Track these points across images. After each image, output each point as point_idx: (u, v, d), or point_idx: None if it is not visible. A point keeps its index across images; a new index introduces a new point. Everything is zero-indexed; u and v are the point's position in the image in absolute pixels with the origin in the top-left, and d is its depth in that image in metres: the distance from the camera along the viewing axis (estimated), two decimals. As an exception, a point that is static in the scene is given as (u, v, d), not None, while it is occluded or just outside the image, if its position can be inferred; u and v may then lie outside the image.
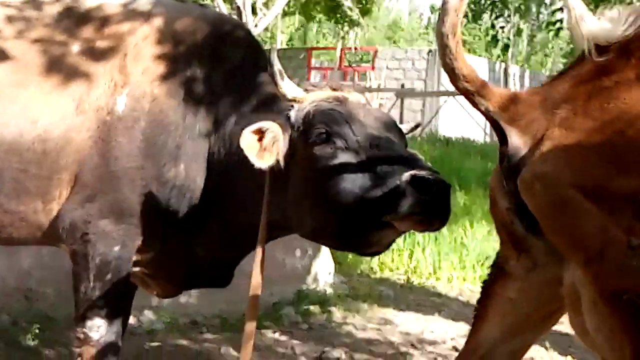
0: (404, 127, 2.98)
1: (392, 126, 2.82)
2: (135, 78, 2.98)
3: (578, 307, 2.19)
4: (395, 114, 22.35)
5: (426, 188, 2.49)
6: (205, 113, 3.02)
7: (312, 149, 2.71)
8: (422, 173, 2.53)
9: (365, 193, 2.59)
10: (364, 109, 2.81)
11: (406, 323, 5.49)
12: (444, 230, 7.62)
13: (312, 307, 5.49)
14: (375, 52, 26.39)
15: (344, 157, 2.67)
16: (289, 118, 2.80)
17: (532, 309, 2.31)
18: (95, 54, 3.02)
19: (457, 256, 7.07)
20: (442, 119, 21.50)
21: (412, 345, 5.06)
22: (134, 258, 3.02)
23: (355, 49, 27.04)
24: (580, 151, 2.03)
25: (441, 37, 2.18)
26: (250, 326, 2.81)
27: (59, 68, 2.99)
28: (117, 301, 3.00)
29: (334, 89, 2.87)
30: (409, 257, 7.05)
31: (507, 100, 2.21)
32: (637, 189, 1.95)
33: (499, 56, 26.72)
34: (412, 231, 2.81)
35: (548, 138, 2.08)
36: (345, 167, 2.66)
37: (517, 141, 2.15)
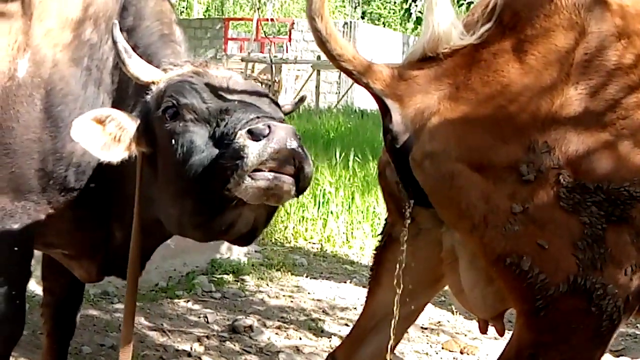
0: (289, 104, 2.82)
1: (259, 96, 2.57)
2: (37, 41, 2.77)
3: (455, 267, 2.33)
4: (311, 86, 22.42)
5: (264, 135, 2.25)
6: (110, 85, 2.84)
7: (165, 127, 2.49)
8: (258, 123, 2.29)
9: (209, 162, 2.37)
10: (225, 80, 2.57)
11: (318, 290, 5.59)
12: (357, 199, 7.81)
13: (225, 276, 5.55)
14: (292, 23, 26.35)
15: (193, 130, 2.44)
16: (146, 103, 2.59)
17: (422, 272, 2.40)
18: (1, 12, 2.80)
19: (370, 225, 7.24)
20: (358, 91, 21.65)
21: (324, 312, 5.17)
22: (49, 239, 2.91)
23: (272, 20, 26.87)
24: (464, 126, 2.11)
25: (310, 21, 2.20)
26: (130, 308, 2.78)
27: None
28: (13, 277, 2.87)
29: (196, 65, 2.62)
30: (323, 226, 7.17)
31: (388, 75, 2.24)
32: (518, 157, 2.06)
33: (413, 30, 27.07)
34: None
35: (432, 114, 2.14)
36: (194, 141, 2.43)
37: (400, 116, 2.19)
